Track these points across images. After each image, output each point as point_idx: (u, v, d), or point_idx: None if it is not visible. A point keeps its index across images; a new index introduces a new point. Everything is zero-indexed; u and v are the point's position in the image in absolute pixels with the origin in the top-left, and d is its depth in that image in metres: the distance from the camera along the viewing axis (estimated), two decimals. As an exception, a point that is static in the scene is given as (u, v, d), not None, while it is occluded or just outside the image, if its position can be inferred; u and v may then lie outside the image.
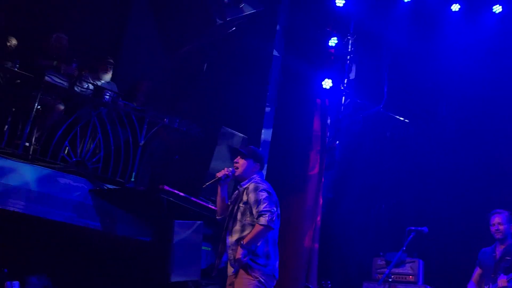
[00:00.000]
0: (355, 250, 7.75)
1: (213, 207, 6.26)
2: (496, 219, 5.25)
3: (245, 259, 3.93)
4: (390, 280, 5.31)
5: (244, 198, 4.14)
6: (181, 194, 5.97)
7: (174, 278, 5.80)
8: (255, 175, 4.30)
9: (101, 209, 6.25)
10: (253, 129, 7.13)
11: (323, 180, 7.13)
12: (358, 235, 7.88)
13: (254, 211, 4.03)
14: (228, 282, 4.12)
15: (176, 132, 7.10)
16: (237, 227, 4.08)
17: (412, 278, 6.62)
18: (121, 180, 6.43)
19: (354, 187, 8.06)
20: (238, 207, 4.14)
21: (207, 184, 4.20)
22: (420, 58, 7.85)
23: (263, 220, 3.96)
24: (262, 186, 4.13)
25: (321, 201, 7.04)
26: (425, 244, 6.93)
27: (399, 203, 8.02)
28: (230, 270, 4.07)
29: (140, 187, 6.52)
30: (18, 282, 5.35)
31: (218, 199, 4.31)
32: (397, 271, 6.57)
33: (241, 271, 3.98)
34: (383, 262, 6.71)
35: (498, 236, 5.22)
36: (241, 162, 4.28)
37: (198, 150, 7.00)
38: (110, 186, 6.36)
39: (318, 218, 6.95)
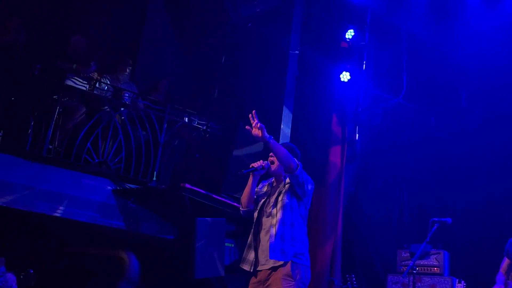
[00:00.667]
0: (379, 243, 7.70)
1: (235, 204, 6.28)
2: None
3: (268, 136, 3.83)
4: (415, 272, 5.27)
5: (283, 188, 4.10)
6: (203, 191, 6.00)
7: (198, 275, 5.84)
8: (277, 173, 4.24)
9: (124, 208, 6.32)
10: (272, 125, 7.12)
11: (344, 173, 7.08)
12: (381, 227, 7.82)
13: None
14: (258, 278, 3.99)
15: (196, 130, 7.14)
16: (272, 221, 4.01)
17: (437, 269, 6.56)
18: (143, 180, 6.49)
19: (376, 180, 8.00)
20: (276, 202, 4.07)
21: (242, 171, 4.12)
22: (439, 47, 7.75)
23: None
24: None
25: (342, 194, 7.00)
26: (450, 235, 6.87)
27: (422, 194, 7.95)
28: (264, 265, 3.96)
29: (162, 185, 6.58)
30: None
31: (247, 190, 4.17)
32: (422, 263, 6.51)
33: (282, 271, 3.86)
34: (407, 254, 6.65)
35: None
36: (275, 159, 4.15)
37: (218, 148, 7.03)
38: (132, 186, 6.43)
39: (340, 212, 6.92)
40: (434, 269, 6.58)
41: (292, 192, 4.05)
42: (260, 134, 3.84)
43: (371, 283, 7.44)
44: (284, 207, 4.00)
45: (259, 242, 4.03)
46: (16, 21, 6.34)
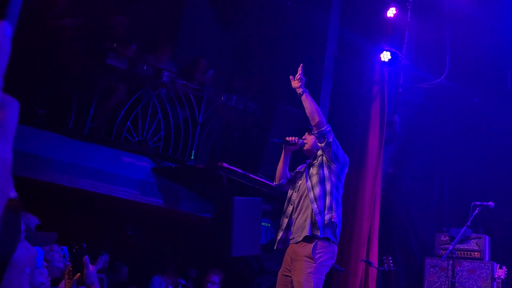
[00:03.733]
0: (417, 225, 7.60)
1: (271, 184, 6.31)
2: None
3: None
4: (454, 256, 5.18)
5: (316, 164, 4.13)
6: (240, 171, 6.04)
7: (235, 253, 5.92)
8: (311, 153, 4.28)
9: (163, 186, 6.44)
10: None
11: (382, 154, 6.99)
12: (420, 210, 7.70)
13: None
14: (289, 255, 4.02)
15: (234, 109, 7.17)
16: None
17: (477, 254, 6.42)
18: (181, 158, 6.58)
19: (416, 162, 7.85)
20: (307, 176, 4.09)
21: (275, 140, 4.22)
22: (485, 25, 7.46)
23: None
24: None
25: (381, 175, 6.92)
26: (491, 220, 6.70)
27: (463, 177, 7.76)
28: (293, 240, 3.99)
29: (200, 164, 6.66)
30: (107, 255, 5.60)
31: (280, 164, 4.26)
32: (461, 247, 6.39)
33: (305, 250, 3.87)
34: (447, 238, 6.54)
35: None
36: (309, 138, 4.23)
37: (256, 127, 7.03)
38: (171, 164, 6.54)
39: (378, 193, 6.84)
40: (474, 254, 6.45)
41: (322, 163, 4.06)
42: (298, 85, 4.07)
43: (408, 265, 7.37)
44: (314, 179, 4.03)
45: (291, 219, 4.07)
46: (64, 2, 6.45)
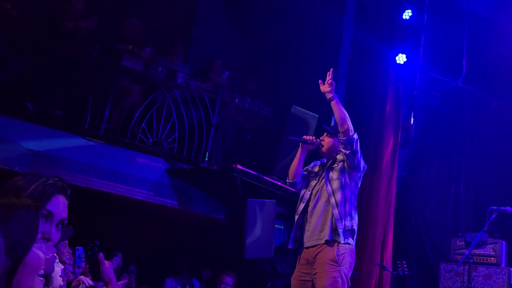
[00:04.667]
0: (432, 230, 7.52)
1: (285, 186, 6.28)
2: None
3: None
4: (470, 261, 5.11)
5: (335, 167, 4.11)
6: (254, 173, 6.03)
7: (248, 256, 5.90)
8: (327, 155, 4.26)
9: (177, 187, 6.46)
10: (324, 107, 7.03)
11: (397, 158, 6.93)
12: (435, 214, 7.62)
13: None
14: (306, 258, 3.97)
15: (248, 111, 7.17)
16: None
17: (494, 259, 6.33)
18: (195, 160, 6.60)
19: (431, 165, 7.78)
20: (327, 180, 4.06)
21: (293, 137, 4.21)
22: (503, 28, 7.36)
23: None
24: None
25: (395, 179, 6.86)
26: (508, 225, 6.61)
27: (479, 181, 7.67)
28: (310, 243, 3.95)
29: (214, 166, 6.67)
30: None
31: (294, 162, 4.24)
32: (477, 252, 6.30)
33: (328, 254, 3.83)
34: (462, 243, 6.46)
35: None
36: (326, 140, 4.22)
37: (269, 129, 7.02)
38: (185, 166, 6.55)
39: (393, 197, 6.79)
40: (490, 259, 6.36)
41: (343, 168, 4.03)
42: (328, 90, 4.02)
43: (422, 270, 7.29)
44: (335, 184, 3.99)
45: (307, 221, 4.02)
46: (81, 3, 6.51)
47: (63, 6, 6.44)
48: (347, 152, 3.96)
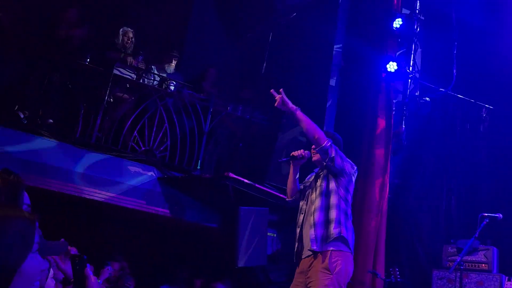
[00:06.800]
0: (425, 237, 7.53)
1: (278, 194, 6.29)
2: None
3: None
4: (462, 268, 5.13)
5: (320, 178, 4.00)
6: (246, 181, 6.04)
7: (241, 264, 5.90)
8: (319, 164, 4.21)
9: (169, 196, 6.44)
10: (316, 115, 7.07)
11: (389, 165, 6.96)
12: (428, 221, 7.64)
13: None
14: (300, 268, 3.91)
15: (240, 119, 7.18)
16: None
17: (485, 266, 6.35)
18: (187, 168, 6.59)
19: (423, 172, 7.81)
20: (315, 188, 3.98)
21: (282, 159, 4.13)
22: (492, 36, 7.44)
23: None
24: None
25: (387, 186, 6.89)
26: (500, 232, 6.64)
27: (471, 188, 7.70)
28: (305, 253, 3.87)
29: (206, 174, 6.66)
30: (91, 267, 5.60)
31: (290, 179, 4.13)
32: (469, 259, 6.32)
33: (320, 262, 3.75)
34: (454, 250, 6.47)
35: None
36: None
37: (262, 137, 7.04)
38: (177, 174, 6.55)
39: (385, 204, 6.81)
40: (482, 266, 6.38)
41: (329, 174, 3.96)
42: (284, 108, 3.82)
43: (415, 277, 7.29)
44: (321, 192, 3.91)
45: (303, 231, 3.97)
46: (74, 13, 6.52)
47: (56, 15, 6.46)
48: (325, 161, 3.87)
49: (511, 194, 7.21)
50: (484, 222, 5.06)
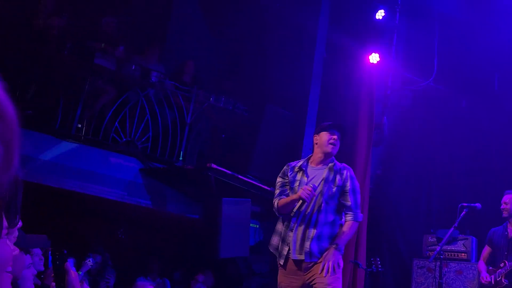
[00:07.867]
0: (405, 227, 7.63)
1: (260, 185, 6.30)
2: (505, 198, 5.49)
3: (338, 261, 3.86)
4: (442, 257, 5.20)
5: (338, 181, 3.94)
6: (228, 172, 6.03)
7: (223, 255, 5.90)
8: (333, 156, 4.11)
9: (151, 187, 6.41)
10: (298, 106, 7.09)
11: (371, 156, 7.01)
12: (408, 211, 7.74)
13: (349, 201, 3.91)
14: (296, 266, 3.87)
15: (222, 111, 7.15)
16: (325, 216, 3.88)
17: (464, 255, 6.47)
18: (169, 159, 6.56)
19: (404, 163, 7.89)
20: (329, 188, 3.89)
21: (297, 206, 3.82)
22: (473, 29, 7.52)
23: (360, 216, 3.96)
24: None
25: (369, 177, 6.94)
26: (478, 221, 6.75)
27: (451, 179, 7.81)
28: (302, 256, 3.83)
29: (188, 165, 6.64)
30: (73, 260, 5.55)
31: (289, 206, 3.86)
32: (448, 248, 6.43)
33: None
34: (434, 239, 6.58)
35: (504, 214, 5.46)
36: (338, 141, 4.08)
37: (244, 129, 7.03)
38: (159, 165, 6.51)
39: (366, 195, 6.86)
40: (461, 255, 6.49)
41: (339, 198, 3.97)
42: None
43: (396, 266, 7.39)
44: (333, 209, 3.93)
45: (296, 233, 3.86)
46: (52, 1, 6.41)
47: (33, 5, 6.33)
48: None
49: (489, 184, 7.32)
50: (464, 212, 5.14)
